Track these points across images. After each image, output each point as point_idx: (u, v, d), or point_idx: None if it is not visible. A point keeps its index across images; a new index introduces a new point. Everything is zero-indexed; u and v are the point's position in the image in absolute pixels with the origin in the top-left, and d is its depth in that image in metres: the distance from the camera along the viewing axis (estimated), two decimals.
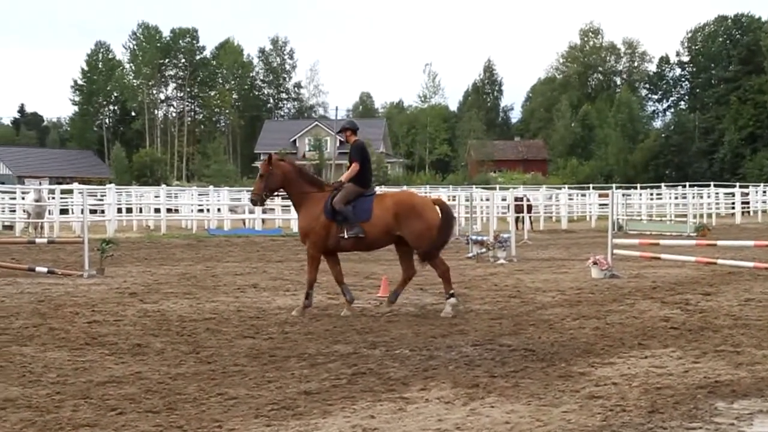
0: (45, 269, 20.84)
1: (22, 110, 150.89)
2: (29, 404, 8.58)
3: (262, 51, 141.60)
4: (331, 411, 8.35)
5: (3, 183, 55.51)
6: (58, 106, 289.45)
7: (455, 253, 27.45)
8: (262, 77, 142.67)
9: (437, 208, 15.04)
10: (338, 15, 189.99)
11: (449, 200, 49.43)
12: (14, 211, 42.78)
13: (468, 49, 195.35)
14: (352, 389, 9.24)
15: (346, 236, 14.72)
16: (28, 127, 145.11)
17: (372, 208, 14.78)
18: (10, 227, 41.29)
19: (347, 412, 8.32)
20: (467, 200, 44.53)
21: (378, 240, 14.97)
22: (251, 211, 45.07)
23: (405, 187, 64.57)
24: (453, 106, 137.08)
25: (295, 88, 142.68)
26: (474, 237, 27.08)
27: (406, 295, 16.94)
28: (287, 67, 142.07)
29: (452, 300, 14.84)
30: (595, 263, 20.18)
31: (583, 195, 57.23)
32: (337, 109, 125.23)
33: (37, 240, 26.96)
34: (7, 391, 9.10)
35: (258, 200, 15.68)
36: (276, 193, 15.89)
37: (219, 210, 46.64)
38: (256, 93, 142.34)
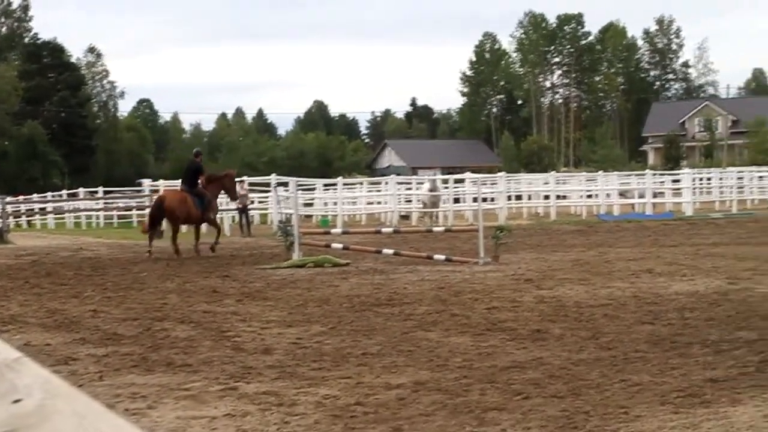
0: (442, 257, 21.50)
1: (413, 104, 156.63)
2: (439, 387, 8.90)
3: (646, 32, 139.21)
4: (740, 400, 8.10)
5: (398, 174, 57.85)
6: (447, 98, 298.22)
7: None
8: (647, 59, 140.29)
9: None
10: None
11: None
12: (410, 201, 44.54)
13: None
14: (761, 378, 8.91)
15: None
16: (420, 119, 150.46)
17: None
18: (407, 217, 43.02)
19: (757, 401, 8.03)
20: None
21: None
22: (641, 196, 44.51)
23: None
24: None
25: (683, 68, 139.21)
26: None
27: None
28: (674, 47, 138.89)
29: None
30: None
31: None
32: (728, 87, 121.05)
33: (434, 229, 27.91)
34: (417, 375, 9.50)
35: None
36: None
37: (608, 195, 46.36)
38: (642, 75, 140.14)
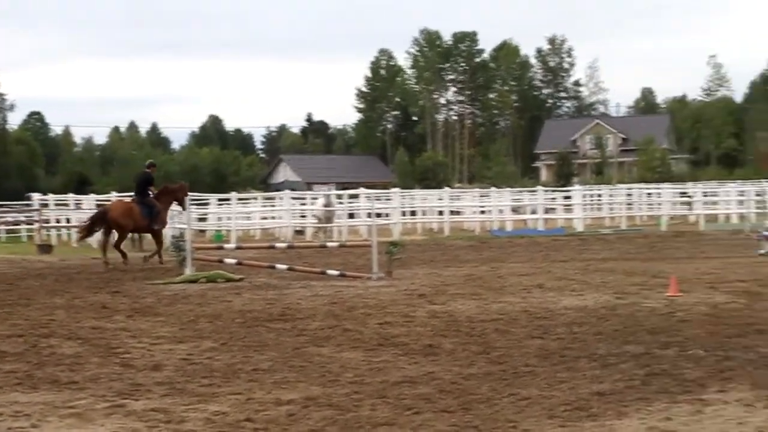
0: (336, 272, 21.49)
1: (309, 119, 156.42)
2: (330, 403, 8.88)
3: (539, 51, 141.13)
4: (626, 412, 8.24)
5: (293, 189, 57.65)
6: (343, 113, 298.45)
7: (746, 250, 26.50)
8: (540, 77, 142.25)
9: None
10: (618, 9, 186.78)
11: (738, 195, 47.75)
12: (305, 216, 44.42)
13: (755, 39, 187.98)
14: (647, 390, 9.08)
15: None
16: (316, 135, 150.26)
17: None
18: (301, 232, 42.89)
19: (642, 413, 8.19)
20: (758, 195, 42.94)
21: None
22: (533, 212, 45.04)
23: (690, 184, 62.73)
24: (739, 98, 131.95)
25: (574, 87, 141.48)
26: (767, 233, 26.00)
27: (697, 294, 16.52)
28: (565, 65, 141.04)
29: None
30: None
31: None
32: (618, 106, 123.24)
33: (328, 244, 27.87)
34: (308, 390, 9.46)
35: None
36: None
37: (501, 211, 46.77)
38: (535, 93, 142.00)
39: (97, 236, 29.11)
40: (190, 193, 27.14)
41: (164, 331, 13.73)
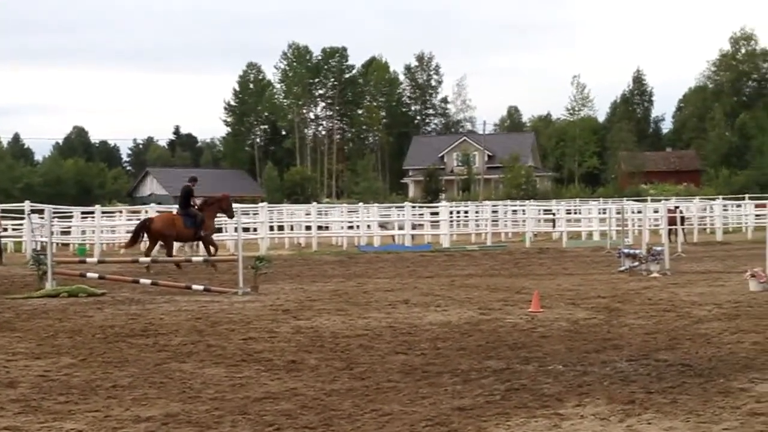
0: (201, 287, 21.28)
1: (177, 132, 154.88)
2: (189, 420, 8.77)
3: (408, 68, 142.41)
4: (485, 427, 8.32)
5: (160, 203, 56.96)
6: (211, 127, 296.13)
7: (606, 267, 27.11)
8: (409, 94, 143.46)
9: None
10: (484, 29, 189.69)
11: (600, 213, 48.82)
12: None
13: (616, 60, 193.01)
14: (506, 405, 9.19)
15: None
16: (183, 148, 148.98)
17: None
18: None
19: (502, 428, 8.28)
20: (618, 213, 43.94)
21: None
22: (401, 227, 45.31)
23: (554, 201, 63.99)
24: (602, 118, 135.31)
25: (442, 104, 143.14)
26: (626, 250, 26.63)
27: (558, 310, 16.84)
28: (433, 82, 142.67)
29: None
30: (753, 276, 19.67)
31: (739, 206, 55.90)
32: (485, 123, 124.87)
33: (193, 258, 27.63)
34: (168, 407, 9.32)
35: None
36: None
37: (369, 226, 46.95)
38: (404, 110, 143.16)
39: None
40: (53, 206, 26.72)
41: (21, 346, 13.39)
